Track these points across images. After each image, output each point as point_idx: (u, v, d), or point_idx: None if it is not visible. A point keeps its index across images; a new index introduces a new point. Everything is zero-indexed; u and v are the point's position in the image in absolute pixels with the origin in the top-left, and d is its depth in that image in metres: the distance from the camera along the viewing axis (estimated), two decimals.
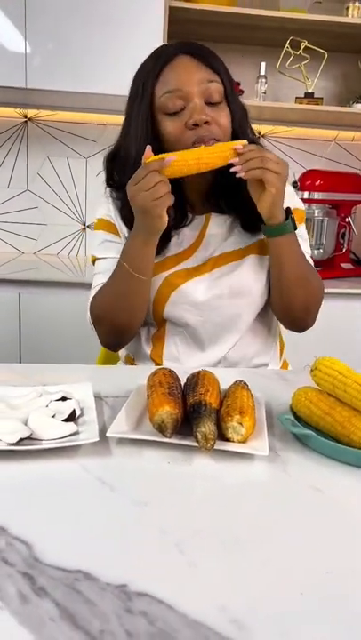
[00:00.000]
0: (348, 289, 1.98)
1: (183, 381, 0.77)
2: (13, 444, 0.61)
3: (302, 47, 2.06)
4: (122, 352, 1.15)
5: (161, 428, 0.64)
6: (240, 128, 0.97)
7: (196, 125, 0.90)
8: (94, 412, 0.71)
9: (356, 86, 2.36)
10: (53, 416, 0.68)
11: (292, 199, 1.04)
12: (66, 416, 0.67)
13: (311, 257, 1.06)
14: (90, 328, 1.04)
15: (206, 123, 0.91)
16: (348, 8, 2.08)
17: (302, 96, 2.22)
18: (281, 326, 1.12)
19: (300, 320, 1.04)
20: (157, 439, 0.65)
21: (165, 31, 1.91)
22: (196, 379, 0.74)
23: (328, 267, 2.19)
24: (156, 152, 0.87)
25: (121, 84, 1.88)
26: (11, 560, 0.45)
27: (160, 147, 0.91)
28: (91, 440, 0.63)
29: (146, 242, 0.92)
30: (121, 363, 1.15)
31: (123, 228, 1.02)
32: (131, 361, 1.11)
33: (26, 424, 0.65)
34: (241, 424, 0.65)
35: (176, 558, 0.47)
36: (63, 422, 0.66)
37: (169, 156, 0.85)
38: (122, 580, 0.43)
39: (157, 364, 1.05)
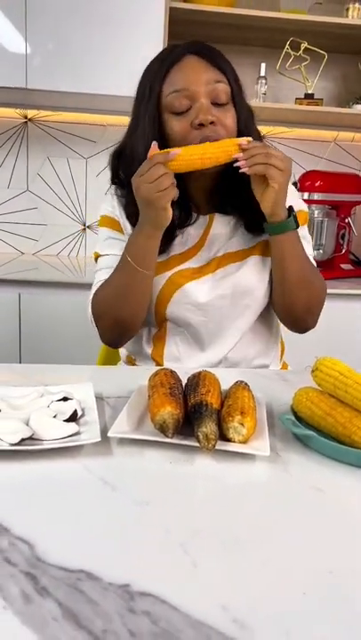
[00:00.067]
0: (348, 290, 1.99)
1: (184, 382, 0.77)
2: (15, 445, 0.61)
3: (302, 48, 2.07)
4: (123, 352, 1.15)
5: (162, 429, 0.65)
6: (246, 129, 0.97)
7: (201, 125, 0.91)
8: (95, 412, 0.71)
9: (356, 87, 2.36)
10: (55, 416, 0.68)
11: (295, 200, 1.05)
12: (67, 416, 0.67)
13: (314, 258, 1.06)
14: (90, 327, 1.04)
15: (212, 123, 0.91)
16: (348, 9, 2.09)
17: (302, 97, 2.22)
18: (282, 329, 1.12)
19: (302, 320, 1.04)
20: (159, 439, 0.65)
21: (165, 32, 1.91)
22: (197, 379, 0.74)
23: (328, 267, 2.19)
24: (161, 150, 0.88)
25: (121, 85, 1.91)
26: (13, 560, 0.45)
27: (166, 146, 0.91)
28: (92, 440, 0.63)
29: (150, 236, 0.92)
30: (122, 363, 1.15)
31: (127, 226, 1.02)
32: (132, 361, 1.11)
33: (27, 424, 0.65)
34: (242, 424, 0.65)
35: (179, 558, 0.47)
36: (65, 422, 0.66)
37: (174, 150, 0.86)
38: (124, 579, 0.43)
39: (158, 364, 1.05)
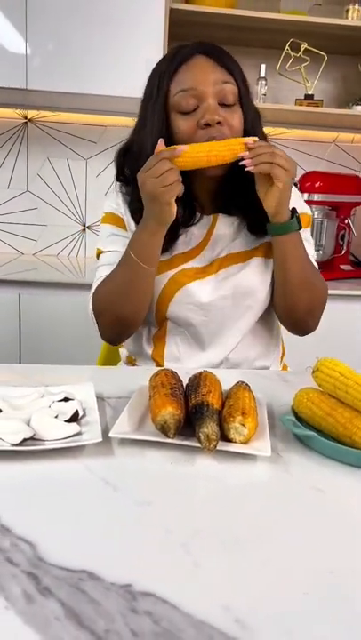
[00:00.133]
0: (348, 290, 1.99)
1: (185, 382, 0.77)
2: (17, 445, 0.61)
3: (302, 49, 2.07)
4: (123, 353, 1.15)
5: (164, 429, 0.65)
6: (252, 130, 0.97)
7: (208, 125, 0.91)
8: (97, 412, 0.71)
9: (356, 88, 2.37)
10: (56, 417, 0.68)
11: (299, 203, 1.05)
12: (68, 417, 0.68)
13: (316, 261, 1.06)
14: (90, 327, 1.04)
15: (218, 123, 0.91)
16: (347, 10, 2.09)
17: (302, 98, 2.23)
18: (282, 331, 1.12)
19: (303, 322, 1.04)
20: (160, 440, 0.65)
21: (166, 33, 1.91)
22: (197, 380, 0.74)
23: (328, 268, 2.19)
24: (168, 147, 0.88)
25: (121, 86, 1.92)
26: (15, 560, 0.45)
27: (172, 144, 0.91)
28: (94, 441, 0.63)
29: (154, 232, 0.92)
30: (122, 363, 1.15)
31: (130, 223, 1.02)
32: (132, 361, 1.11)
33: (28, 424, 0.65)
34: (243, 425, 0.65)
35: (180, 558, 0.47)
36: (66, 423, 0.67)
37: (181, 147, 0.87)
38: (126, 579, 0.43)
39: (158, 364, 1.05)
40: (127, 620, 0.39)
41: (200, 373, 0.77)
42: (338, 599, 0.43)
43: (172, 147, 0.88)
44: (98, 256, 1.07)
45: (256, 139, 0.90)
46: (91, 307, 1.02)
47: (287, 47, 2.08)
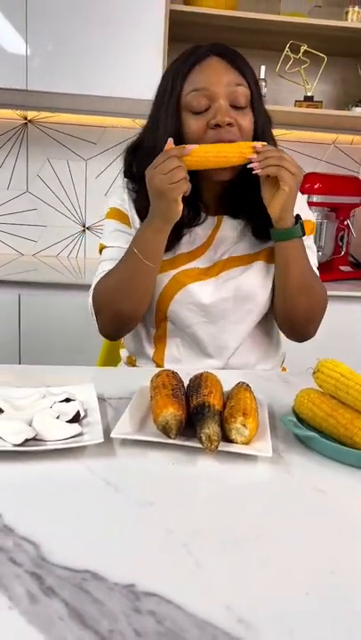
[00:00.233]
0: (348, 292, 1.99)
1: (186, 383, 0.77)
2: (18, 445, 0.61)
3: (302, 51, 2.07)
4: (124, 353, 1.15)
5: (165, 430, 0.65)
6: (263, 134, 0.97)
7: (218, 126, 0.91)
8: (98, 413, 0.71)
9: (355, 90, 2.37)
10: (58, 417, 0.68)
11: (304, 210, 1.05)
12: (70, 417, 0.68)
13: (318, 269, 1.07)
14: (89, 326, 1.04)
15: (229, 125, 0.92)
16: (347, 12, 2.10)
17: (302, 99, 2.23)
18: (282, 339, 1.13)
19: (302, 328, 1.04)
20: (161, 440, 0.65)
21: (166, 34, 1.91)
22: (198, 380, 0.75)
23: (327, 269, 2.19)
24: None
25: (121, 87, 1.92)
26: (19, 560, 0.45)
27: (182, 143, 0.92)
28: (95, 441, 0.63)
29: (159, 229, 0.92)
30: (122, 364, 1.16)
31: (135, 219, 1.03)
32: (133, 362, 1.11)
33: (30, 425, 0.65)
34: (245, 426, 0.65)
35: (183, 558, 0.47)
36: (67, 423, 0.67)
37: (190, 146, 0.88)
38: (129, 579, 0.43)
39: (159, 365, 1.05)
40: (130, 620, 0.39)
41: (201, 374, 0.77)
42: (339, 599, 0.44)
43: (181, 145, 0.89)
44: (100, 251, 1.07)
45: (265, 143, 0.91)
46: (91, 301, 1.02)
47: (287, 49, 2.08)
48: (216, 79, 0.92)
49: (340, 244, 2.21)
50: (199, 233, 1.03)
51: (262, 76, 2.19)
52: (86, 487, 0.57)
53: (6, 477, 0.58)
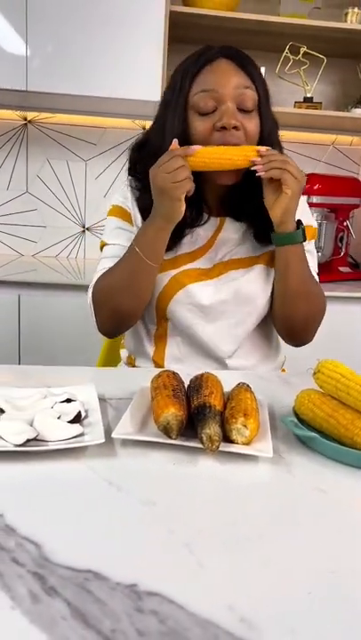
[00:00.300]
0: (347, 292, 2.00)
1: (187, 384, 0.77)
2: (20, 445, 0.61)
3: (301, 52, 2.08)
4: (124, 353, 1.15)
5: (166, 430, 0.65)
6: (268, 139, 0.97)
7: (224, 128, 0.91)
8: (99, 413, 0.71)
9: (355, 91, 2.38)
10: (59, 417, 0.68)
11: (306, 215, 1.06)
12: (71, 417, 0.68)
13: (318, 275, 1.07)
14: (89, 327, 1.04)
15: (235, 128, 0.92)
16: (346, 14, 2.10)
17: (301, 100, 2.24)
18: (282, 344, 1.13)
19: (300, 333, 1.04)
20: (162, 441, 0.65)
21: (166, 35, 1.92)
22: (199, 381, 0.75)
23: (326, 270, 2.19)
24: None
25: (121, 88, 1.92)
26: (21, 560, 0.45)
27: (187, 144, 0.92)
28: (97, 441, 0.63)
29: (161, 228, 0.93)
30: (122, 364, 1.16)
31: (137, 217, 1.03)
32: (132, 361, 1.11)
33: (31, 425, 0.65)
34: (245, 426, 0.65)
35: (184, 558, 0.47)
36: (69, 424, 0.67)
37: (194, 146, 0.88)
38: (131, 579, 0.44)
39: (158, 365, 1.05)
40: (133, 620, 0.40)
41: (202, 375, 0.77)
42: (340, 599, 0.44)
43: (185, 146, 0.89)
44: (101, 248, 1.07)
45: (270, 148, 0.91)
46: (90, 297, 1.02)
47: (287, 50, 2.09)
48: (224, 81, 0.92)
49: (340, 244, 2.21)
50: (201, 234, 1.03)
51: None
52: (88, 487, 0.58)
53: (8, 477, 0.58)
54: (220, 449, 0.63)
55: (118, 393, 0.82)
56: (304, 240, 0.96)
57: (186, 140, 0.93)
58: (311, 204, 2.10)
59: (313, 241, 1.09)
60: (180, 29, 1.99)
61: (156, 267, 0.96)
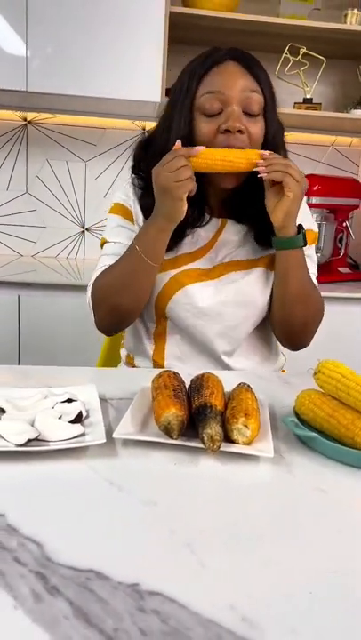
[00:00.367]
0: (346, 293, 2.00)
1: (187, 384, 0.77)
2: (21, 445, 0.61)
3: (301, 53, 2.08)
4: (123, 353, 1.15)
5: (167, 430, 0.65)
6: (273, 143, 0.97)
7: (228, 131, 0.92)
8: (100, 413, 0.71)
9: (354, 92, 2.38)
10: (60, 417, 0.68)
11: (307, 219, 1.06)
12: (72, 417, 0.68)
13: (317, 279, 1.07)
14: (89, 327, 1.04)
15: (239, 131, 0.92)
16: (346, 15, 2.10)
17: (301, 101, 2.24)
18: (281, 348, 1.13)
19: (297, 337, 1.05)
20: (164, 441, 0.65)
21: (166, 36, 1.92)
22: (200, 381, 0.75)
23: (326, 271, 2.20)
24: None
25: (120, 88, 1.92)
26: (23, 560, 0.45)
27: (191, 145, 0.92)
28: (98, 441, 0.63)
29: (162, 228, 0.93)
30: (122, 364, 1.16)
31: (139, 216, 1.03)
32: (131, 360, 1.11)
33: (32, 425, 0.66)
34: (246, 426, 0.65)
35: (185, 558, 0.47)
36: (70, 424, 0.67)
37: (197, 147, 0.88)
38: (133, 579, 0.44)
39: (157, 363, 1.05)
40: (135, 619, 0.40)
41: (202, 375, 0.77)
42: (341, 599, 0.44)
43: (189, 147, 0.89)
44: (102, 245, 1.07)
45: (273, 152, 0.91)
46: (89, 294, 1.02)
47: (286, 51, 2.09)
48: (231, 83, 0.92)
49: (339, 245, 2.22)
50: (202, 234, 1.03)
51: None
52: (89, 487, 0.58)
53: (9, 477, 0.59)
54: (221, 449, 0.63)
55: (119, 393, 0.82)
56: (304, 245, 0.96)
57: (191, 141, 0.93)
58: (311, 205, 2.10)
59: (313, 245, 1.09)
60: (179, 30, 1.99)
61: (156, 266, 0.96)
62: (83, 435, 0.66)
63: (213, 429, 0.63)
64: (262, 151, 0.91)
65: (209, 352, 1.04)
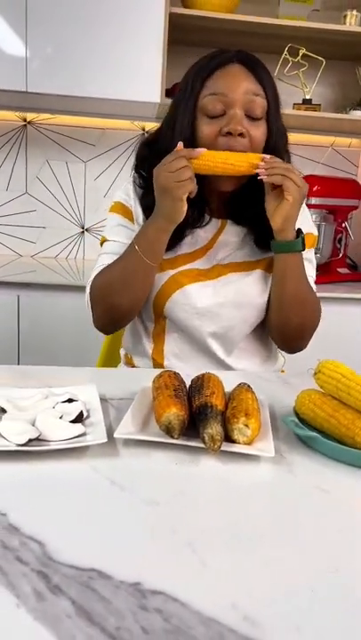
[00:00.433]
0: (345, 293, 2.00)
1: (188, 384, 0.77)
2: (22, 445, 0.62)
3: (300, 54, 2.08)
4: (122, 352, 1.16)
5: (168, 430, 0.65)
6: (275, 147, 0.97)
7: (229, 134, 0.92)
8: (100, 413, 0.71)
9: (354, 93, 2.39)
10: (60, 417, 0.68)
11: (306, 223, 1.06)
12: (73, 417, 0.68)
13: (316, 280, 1.07)
14: (88, 327, 1.04)
15: (240, 135, 0.92)
16: (345, 16, 2.11)
17: (300, 102, 2.24)
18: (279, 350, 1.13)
19: (294, 340, 1.05)
20: (164, 440, 0.65)
21: (165, 37, 1.92)
22: (201, 381, 0.75)
23: (325, 272, 2.20)
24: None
25: (120, 89, 1.92)
26: (25, 559, 0.45)
27: (193, 146, 0.92)
28: (99, 441, 0.63)
29: (162, 229, 0.93)
30: (122, 364, 1.16)
31: (139, 215, 1.03)
32: (130, 360, 1.11)
33: (33, 425, 0.66)
34: (247, 426, 0.66)
35: (187, 557, 0.47)
36: (70, 424, 0.67)
37: (199, 149, 0.89)
38: (135, 578, 0.44)
39: (156, 362, 1.05)
40: (137, 618, 0.40)
41: (203, 375, 0.77)
42: (342, 597, 0.44)
43: (191, 148, 0.89)
44: (102, 244, 1.07)
45: (274, 156, 0.91)
46: (88, 292, 1.02)
47: (286, 52, 2.09)
48: (235, 86, 0.92)
49: (338, 246, 2.22)
50: (201, 235, 1.04)
51: None
52: (91, 487, 0.58)
53: (10, 477, 0.59)
54: (222, 449, 0.63)
55: (119, 393, 0.83)
56: (303, 249, 0.96)
57: (193, 142, 0.93)
58: (310, 206, 2.10)
59: (313, 249, 1.09)
60: (179, 31, 1.99)
61: (154, 266, 0.96)
62: (84, 434, 0.66)
63: (214, 429, 0.63)
64: (264, 155, 0.91)
65: (206, 352, 1.04)
